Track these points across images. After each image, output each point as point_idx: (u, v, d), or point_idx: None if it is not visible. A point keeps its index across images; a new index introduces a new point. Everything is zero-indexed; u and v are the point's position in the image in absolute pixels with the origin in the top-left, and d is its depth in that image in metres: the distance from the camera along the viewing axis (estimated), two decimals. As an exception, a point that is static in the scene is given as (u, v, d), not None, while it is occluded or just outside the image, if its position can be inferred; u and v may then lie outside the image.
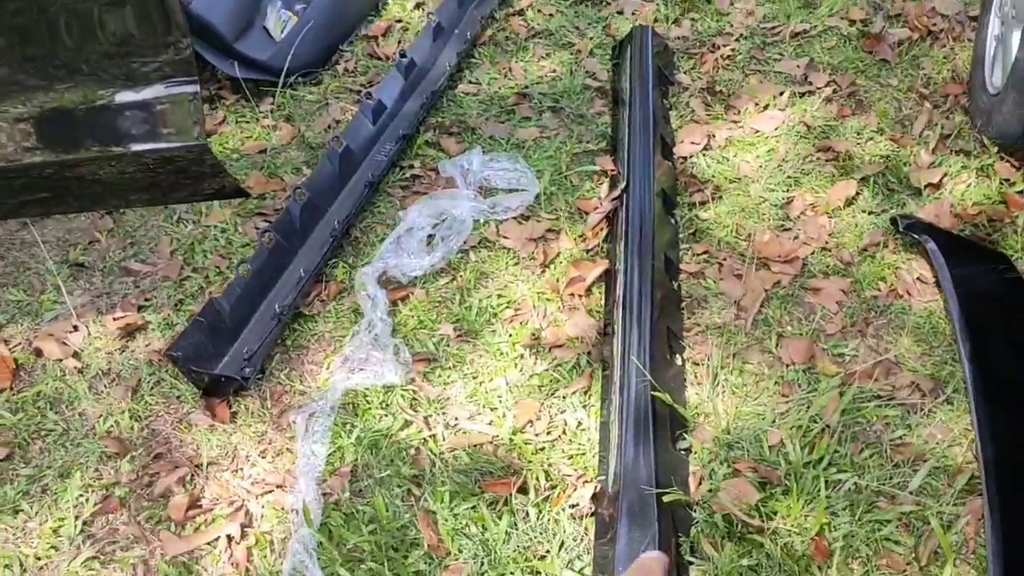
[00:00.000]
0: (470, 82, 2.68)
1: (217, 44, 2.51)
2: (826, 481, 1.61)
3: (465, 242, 2.15)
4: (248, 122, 2.56)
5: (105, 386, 1.88)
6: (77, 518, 1.66)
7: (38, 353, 1.94)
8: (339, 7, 2.83)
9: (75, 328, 1.99)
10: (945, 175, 2.21)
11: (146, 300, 2.06)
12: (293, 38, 2.64)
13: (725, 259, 2.09)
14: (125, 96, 1.57)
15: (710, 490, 1.62)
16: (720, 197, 2.24)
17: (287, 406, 1.84)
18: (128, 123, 1.64)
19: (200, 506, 1.68)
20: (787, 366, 1.84)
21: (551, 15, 2.94)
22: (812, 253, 2.08)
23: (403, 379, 1.85)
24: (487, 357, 1.91)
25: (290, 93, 2.62)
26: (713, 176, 2.30)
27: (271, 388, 1.88)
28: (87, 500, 1.69)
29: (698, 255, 2.11)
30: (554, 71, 2.70)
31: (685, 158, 2.36)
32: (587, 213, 2.21)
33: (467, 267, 2.10)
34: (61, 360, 1.92)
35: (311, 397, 1.84)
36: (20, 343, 1.97)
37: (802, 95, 2.53)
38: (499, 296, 2.04)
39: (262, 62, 2.58)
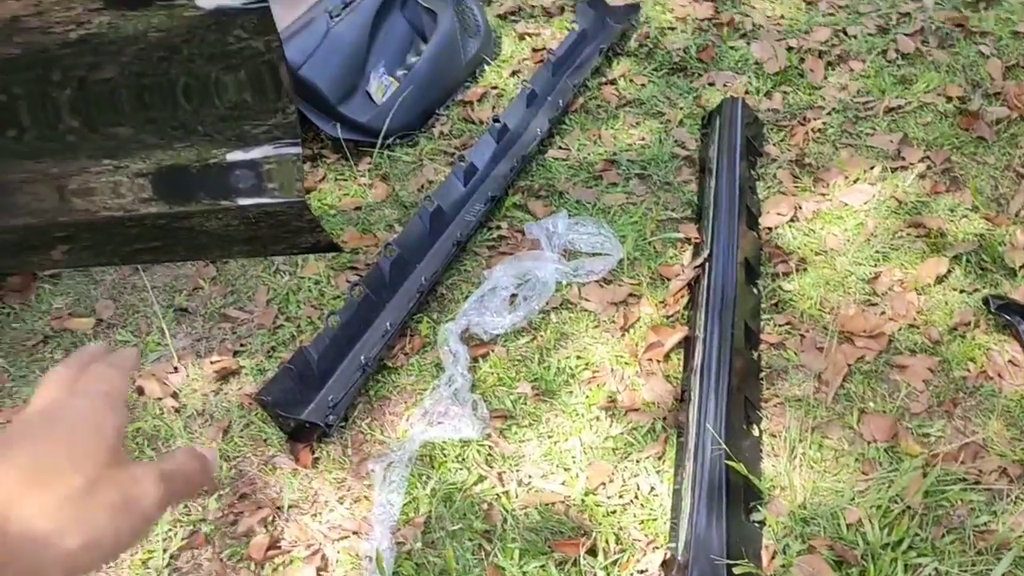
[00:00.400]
0: (560, 148, 2.75)
1: (322, 106, 2.65)
2: (905, 564, 1.57)
3: (547, 303, 2.20)
4: (346, 180, 2.68)
5: (199, 426, 1.98)
6: (165, 551, 1.74)
7: (140, 391, 2.06)
8: (438, 74, 2.96)
9: (175, 369, 2.10)
10: (1042, 255, 2.16)
11: (241, 346, 2.16)
12: (393, 102, 2.77)
13: (807, 331, 2.08)
14: (235, 155, 1.68)
15: (783, 566, 1.60)
16: (805, 269, 2.23)
17: (367, 455, 1.90)
18: (235, 179, 1.75)
19: (279, 547, 1.74)
20: (868, 443, 1.81)
21: (643, 85, 3.01)
22: (899, 330, 2.05)
23: (480, 434, 1.89)
24: (563, 417, 1.94)
25: (387, 154, 2.74)
26: (798, 248, 2.30)
27: (352, 436, 1.94)
28: (175, 535, 1.77)
29: (780, 326, 2.11)
30: (643, 139, 2.75)
31: (770, 228, 2.37)
32: (669, 279, 2.23)
33: (548, 327, 2.14)
34: (161, 399, 2.03)
35: (390, 447, 1.90)
36: (124, 381, 2.09)
37: (894, 170, 2.51)
38: (578, 357, 2.07)
39: (363, 124, 2.71)
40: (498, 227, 2.46)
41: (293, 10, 2.66)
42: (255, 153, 1.68)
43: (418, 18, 3.03)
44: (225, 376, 2.08)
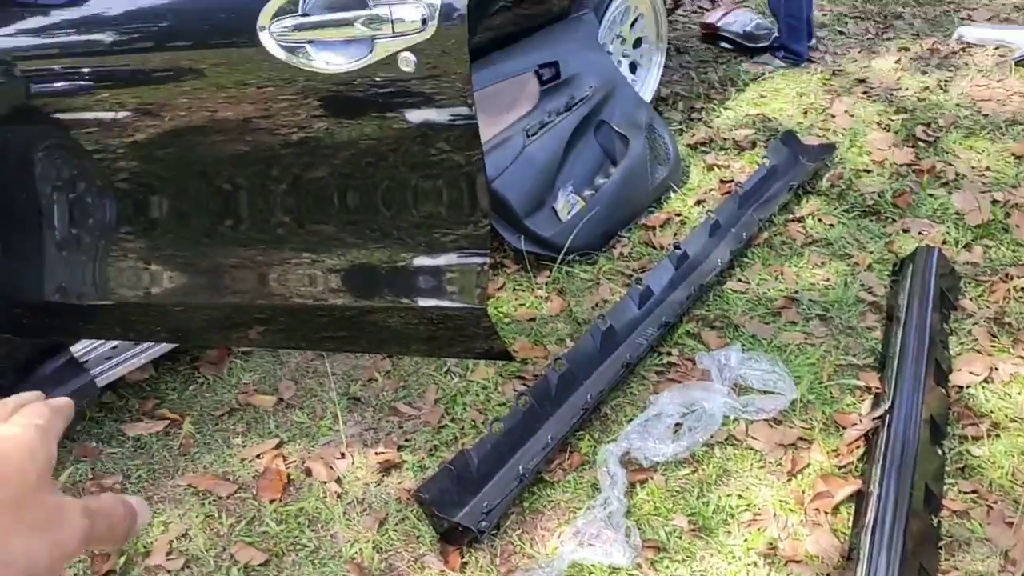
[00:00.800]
0: (739, 280, 2.73)
1: (509, 218, 2.76)
2: None
3: (712, 436, 2.14)
4: (524, 291, 2.75)
5: (357, 514, 2.03)
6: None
7: (308, 472, 2.15)
8: (624, 197, 3.02)
9: (342, 455, 2.18)
10: None
11: (406, 440, 2.23)
12: (577, 221, 2.85)
13: (996, 502, 1.92)
14: (422, 260, 1.77)
15: None
16: (997, 435, 2.08)
17: (514, 566, 1.89)
18: (420, 282, 1.84)
19: (417, 648, 1.74)
20: (1061, 639, 1.63)
21: (832, 225, 2.95)
22: (1104, 515, 1.86)
23: (630, 562, 1.84)
24: (718, 558, 1.86)
25: (566, 269, 2.81)
26: (992, 411, 2.15)
27: (502, 545, 1.94)
28: (320, 618, 1.81)
29: (965, 493, 1.96)
30: (827, 280, 2.68)
31: (961, 387, 2.23)
32: (844, 428, 2.13)
33: (711, 461, 2.09)
34: (325, 483, 2.11)
35: (538, 562, 1.88)
36: (295, 460, 2.20)
37: (1107, 339, 2.32)
38: (740, 497, 2.00)
39: (546, 239, 2.80)
40: (668, 353, 2.44)
41: (493, 127, 2.81)
42: (441, 260, 1.77)
43: (610, 142, 3.13)
44: (388, 468, 2.14)
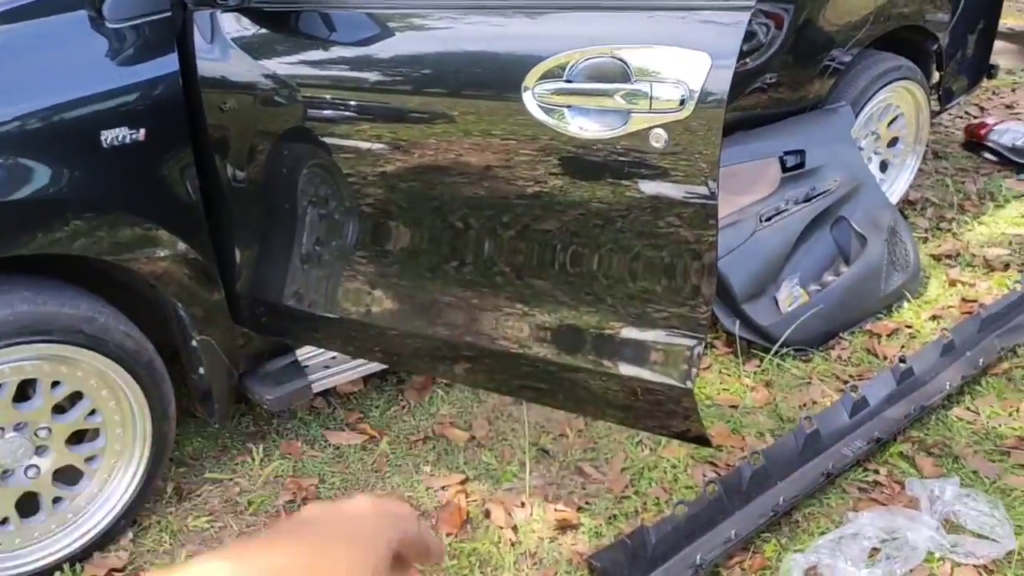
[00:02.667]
0: (968, 408, 2.52)
1: (727, 300, 2.72)
2: None
3: (911, 570, 1.98)
4: (730, 375, 2.69)
5: (528, 567, 2.05)
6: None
7: (487, 514, 2.19)
8: (852, 299, 2.89)
9: (523, 504, 2.21)
10: None
11: (586, 503, 2.22)
12: (798, 315, 2.75)
13: None
14: (630, 332, 1.77)
15: None
16: None
17: (674, 659, 1.83)
18: (628, 350, 1.84)
19: None
20: None
21: (1085, 370, 2.68)
22: None
23: None
24: None
25: (777, 362, 2.71)
26: None
27: (665, 634, 1.88)
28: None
29: None
30: (1070, 428, 2.43)
31: None
32: (1068, 596, 1.91)
33: (905, 598, 1.93)
34: (502, 528, 2.14)
35: (699, 661, 1.81)
36: (476, 499, 2.25)
37: None
38: (933, 645, 1.84)
39: (762, 327, 2.72)
40: (876, 471, 2.30)
41: (727, 206, 2.78)
42: (649, 335, 1.76)
43: (846, 239, 3.01)
44: (564, 527, 2.15)
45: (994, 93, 5.02)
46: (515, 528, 2.15)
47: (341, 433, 2.47)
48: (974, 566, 1.99)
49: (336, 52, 1.93)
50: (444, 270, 1.93)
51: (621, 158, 1.57)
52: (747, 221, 2.80)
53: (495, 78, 1.68)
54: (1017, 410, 2.51)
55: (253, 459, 2.37)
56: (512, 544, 2.11)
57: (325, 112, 1.93)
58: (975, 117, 4.59)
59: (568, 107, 1.58)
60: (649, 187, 1.61)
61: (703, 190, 1.57)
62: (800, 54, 3.06)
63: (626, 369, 1.86)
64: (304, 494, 2.26)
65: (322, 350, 2.39)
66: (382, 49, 1.85)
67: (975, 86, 4.03)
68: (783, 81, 3.04)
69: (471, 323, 1.93)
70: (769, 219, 2.84)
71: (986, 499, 2.15)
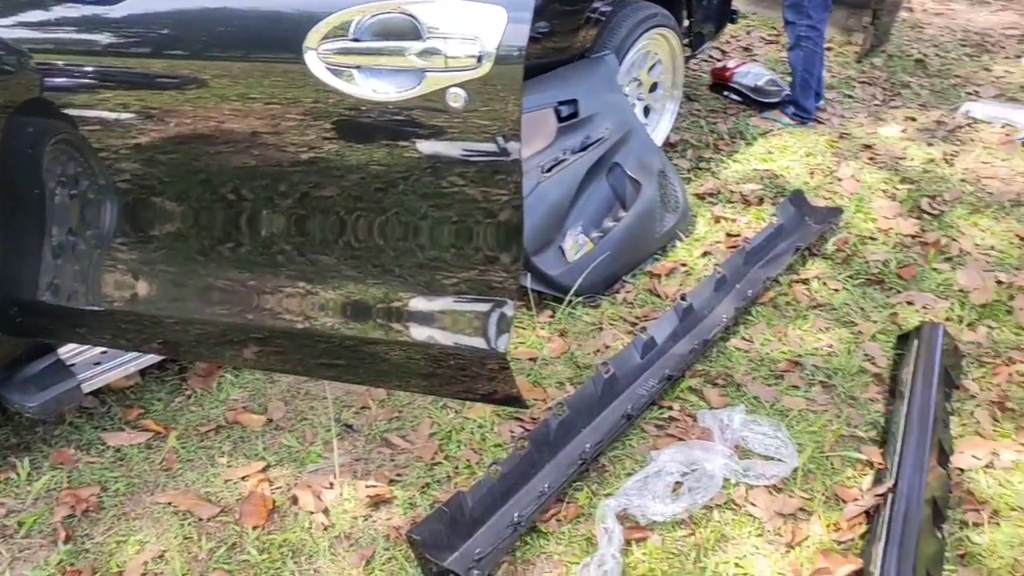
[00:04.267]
0: (743, 338, 2.70)
1: (517, 254, 2.72)
2: None
3: (711, 499, 2.10)
4: (525, 328, 2.71)
5: (344, 549, 1.96)
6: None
7: (294, 500, 2.07)
8: (631, 242, 3.00)
9: (331, 485, 2.11)
10: None
11: (398, 475, 2.16)
12: (585, 262, 2.81)
13: (996, 595, 1.89)
14: (420, 302, 1.71)
15: None
16: (997, 523, 2.05)
17: (503, 620, 1.82)
18: (421, 320, 1.78)
19: None
20: None
21: (836, 290, 2.94)
22: (1103, 616, 1.84)
23: (624, 627, 1.78)
24: (714, 630, 1.81)
25: (569, 311, 2.76)
26: (992, 498, 2.12)
27: (492, 596, 1.88)
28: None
29: (965, 582, 1.93)
30: (831, 346, 2.66)
31: (962, 470, 2.21)
32: (845, 502, 2.10)
33: (709, 525, 2.04)
34: (312, 513, 2.04)
35: (529, 618, 1.82)
36: (281, 486, 2.12)
37: (1108, 433, 2.32)
38: (736, 566, 1.95)
39: (552, 278, 2.75)
40: (670, 407, 2.40)
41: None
42: (455, 301, 1.72)
43: (622, 185, 3.10)
44: (377, 503, 2.08)
45: (732, 37, 5.36)
46: (326, 511, 2.05)
47: (121, 433, 2.24)
48: (765, 487, 2.14)
49: (90, 11, 1.68)
50: (218, 252, 1.77)
51: (419, 119, 1.49)
52: (530, 174, 2.81)
53: (270, 38, 1.53)
54: (785, 335, 2.71)
55: (19, 475, 2.10)
56: (325, 528, 2.01)
57: (61, 80, 1.69)
58: (718, 61, 4.88)
59: (358, 67, 1.47)
60: (451, 148, 1.55)
61: (506, 148, 1.52)
62: (566, 3, 3.08)
63: (423, 337, 1.81)
64: (85, 506, 2.03)
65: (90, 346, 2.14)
66: (111, 8, 1.63)
67: (720, 30, 4.27)
68: (554, 31, 3.05)
69: (256, 304, 1.79)
70: (550, 170, 2.87)
71: (769, 423, 2.31)
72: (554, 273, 2.77)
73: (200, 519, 2.03)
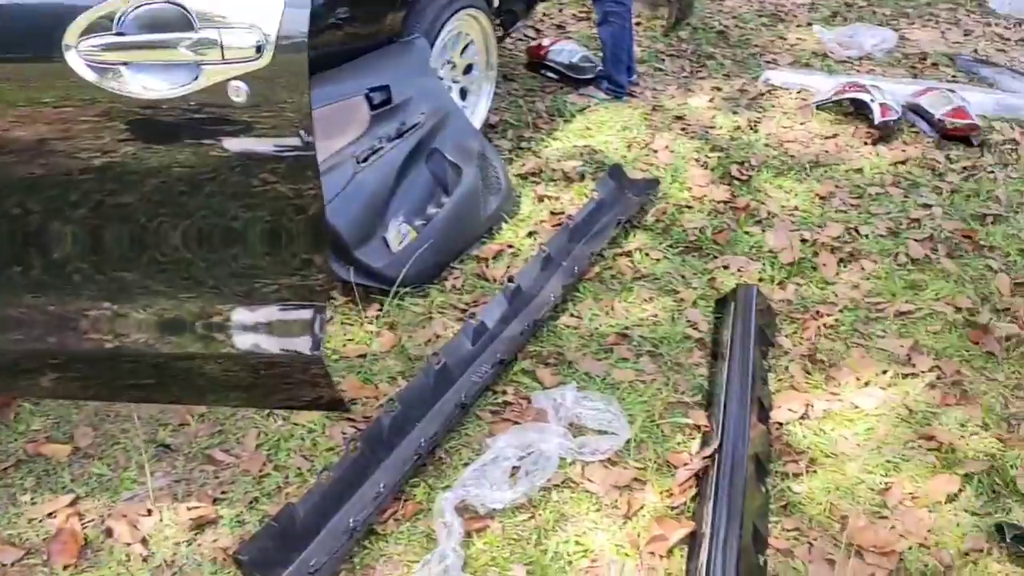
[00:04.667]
0: (572, 315, 2.72)
1: (337, 249, 2.63)
2: None
3: (549, 480, 2.10)
4: (352, 325, 2.63)
5: (167, 579, 1.84)
6: None
7: (109, 533, 1.93)
8: (456, 227, 2.96)
9: (149, 512, 1.98)
10: (1057, 486, 2.10)
11: (223, 493, 2.05)
12: (409, 252, 2.75)
13: (816, 539, 1.99)
14: (244, 308, 1.62)
15: None
16: (814, 471, 2.16)
17: (345, 631, 1.76)
18: (239, 330, 1.69)
19: None
20: (880, 675, 1.69)
21: (658, 260, 3.02)
22: (909, 548, 1.97)
23: (468, 622, 1.76)
24: (558, 611, 1.82)
25: (397, 303, 2.70)
26: (809, 447, 2.24)
27: (331, 608, 1.81)
28: None
29: (788, 531, 2.02)
30: (655, 316, 2.73)
31: (781, 424, 2.31)
32: (676, 467, 2.16)
33: (548, 506, 2.05)
34: (129, 544, 1.90)
35: (371, 625, 1.77)
36: (94, 519, 1.97)
37: (904, 376, 2.49)
38: (577, 543, 1.97)
39: (376, 270, 2.68)
40: (504, 392, 2.39)
41: (321, 153, 2.66)
42: (264, 308, 1.63)
43: (442, 170, 3.06)
44: (201, 525, 1.96)
45: (546, 15, 5.41)
46: (144, 540, 1.92)
47: (-100, 482, 2.02)
48: (601, 462, 2.16)
49: None
50: (7, 276, 1.60)
51: (199, 117, 1.39)
52: (345, 164, 2.72)
53: (23, 36, 1.38)
54: (612, 308, 2.76)
55: None
56: (144, 559, 1.88)
57: None
58: (533, 39, 4.91)
59: (125, 64, 1.35)
60: (236, 145, 1.45)
61: (296, 141, 1.45)
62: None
63: (242, 347, 1.71)
64: None
65: None
66: None
67: (532, 9, 4.29)
68: (357, 16, 2.96)
69: (52, 329, 1.64)
70: (366, 159, 2.79)
71: (601, 397, 2.34)
72: (379, 265, 2.70)
73: (3, 565, 1.85)
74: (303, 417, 2.27)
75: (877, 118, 3.95)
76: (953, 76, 4.91)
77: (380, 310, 2.69)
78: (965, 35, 5.72)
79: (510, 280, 2.69)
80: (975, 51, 5.37)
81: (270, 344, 1.68)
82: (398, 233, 2.80)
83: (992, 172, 3.72)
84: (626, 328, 2.67)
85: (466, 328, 2.50)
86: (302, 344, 1.64)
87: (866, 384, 2.45)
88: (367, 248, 2.71)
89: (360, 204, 2.72)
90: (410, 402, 2.23)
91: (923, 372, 2.50)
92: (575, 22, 5.37)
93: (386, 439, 2.13)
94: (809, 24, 5.67)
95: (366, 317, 2.65)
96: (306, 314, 1.61)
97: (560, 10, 5.53)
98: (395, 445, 2.14)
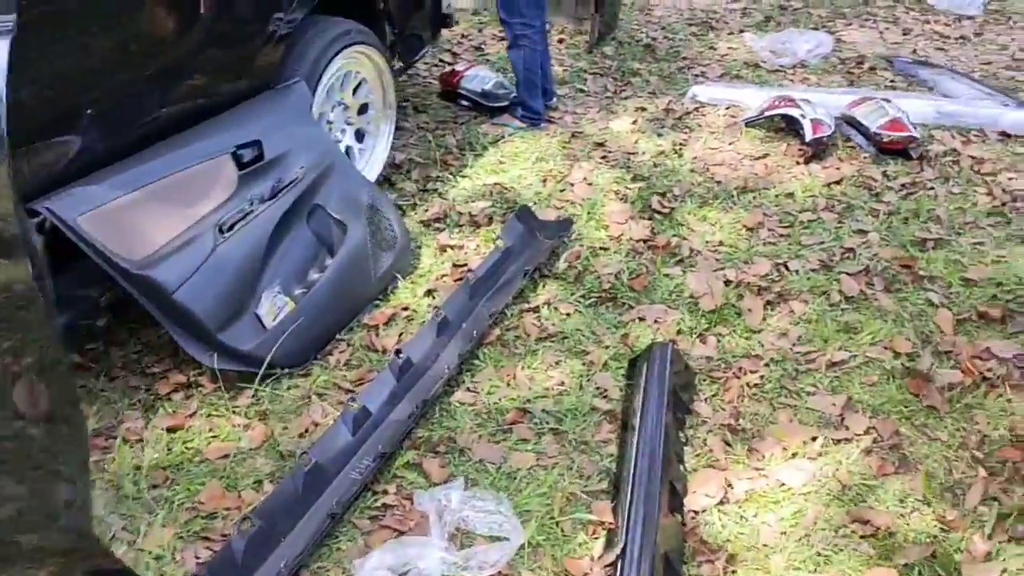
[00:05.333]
0: (468, 389, 2.45)
1: (198, 332, 2.34)
2: None
3: (429, 604, 1.83)
4: (221, 416, 2.33)
5: None
6: None
7: None
8: (341, 294, 2.68)
9: None
10: (1004, 572, 1.85)
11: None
12: (286, 326, 2.47)
13: (736, 658, 1.73)
14: None
15: None
16: (734, 571, 1.90)
17: None
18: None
19: None
20: None
21: (568, 315, 2.75)
22: (843, 661, 1.71)
23: None
24: None
25: (272, 387, 2.42)
26: (728, 540, 1.97)
27: None
28: None
29: (703, 649, 1.75)
30: (562, 384, 2.46)
31: (696, 512, 2.05)
32: (576, 577, 1.89)
33: (426, 638, 1.77)
34: None
35: None
36: None
37: (837, 442, 2.23)
38: None
39: (246, 353, 2.39)
40: (384, 492, 2.11)
41: (176, 224, 2.37)
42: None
43: (326, 229, 2.77)
44: None
45: (464, 36, 5.14)
46: None
47: None
48: (489, 576, 1.89)
49: None
50: None
51: None
52: (204, 236, 2.42)
53: None
54: (514, 377, 2.49)
55: None
56: None
57: None
58: (449, 64, 4.64)
59: None
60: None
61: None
62: (237, 28, 2.70)
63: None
64: None
65: None
66: None
67: (436, 37, 4.01)
68: (222, 60, 2.67)
69: None
70: (232, 227, 2.49)
71: (492, 496, 2.06)
72: (248, 347, 2.41)
73: None
74: (149, 542, 1.97)
75: (808, 135, 3.72)
76: (891, 81, 4.70)
77: (254, 397, 2.39)
78: (904, 34, 5.52)
79: (398, 352, 2.41)
80: (914, 51, 5.17)
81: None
82: (273, 306, 2.51)
83: (932, 188, 3.50)
84: (528, 401, 2.39)
85: (345, 416, 2.22)
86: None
87: (794, 456, 2.19)
88: (235, 328, 2.41)
89: (225, 279, 2.42)
90: (271, 517, 1.94)
91: (857, 436, 2.25)
92: (495, 42, 5.11)
93: (241, 565, 1.84)
94: (741, 31, 5.45)
95: (235, 407, 2.36)
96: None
97: (480, 30, 5.27)
98: (253, 571, 1.85)
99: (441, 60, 4.76)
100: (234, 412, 2.35)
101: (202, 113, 2.61)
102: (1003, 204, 3.35)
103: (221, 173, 2.56)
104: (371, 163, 3.40)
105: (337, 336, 2.64)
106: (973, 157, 3.74)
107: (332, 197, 2.81)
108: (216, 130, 2.62)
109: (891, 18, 5.86)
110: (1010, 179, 3.56)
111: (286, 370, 2.47)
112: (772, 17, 5.75)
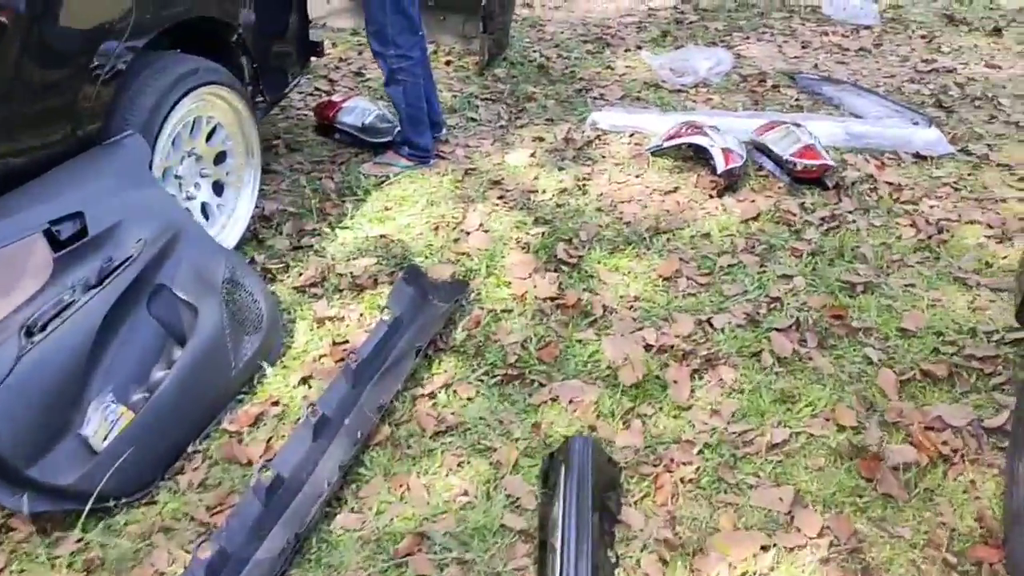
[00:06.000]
0: (353, 510, 2.02)
1: (2, 471, 1.84)
2: None
3: None
4: (37, 570, 1.85)
5: None
6: None
7: None
8: (195, 391, 2.21)
9: None
10: None
11: None
12: (121, 447, 1.99)
13: None
14: None
15: None
16: None
17: None
18: None
19: None
20: None
21: (469, 399, 2.35)
22: None
23: None
24: None
25: (104, 526, 1.94)
26: None
27: None
28: None
29: None
30: (465, 494, 2.06)
31: (636, 665, 1.69)
32: None
33: None
34: None
35: None
36: None
37: (790, 550, 1.91)
38: None
39: (66, 488, 1.91)
40: (247, 669, 1.67)
41: (-33, 332, 1.88)
42: None
43: (173, 315, 2.30)
44: None
45: (342, 60, 4.70)
46: None
47: None
48: None
49: None
50: None
51: None
52: (5, 345, 1.92)
53: None
54: (408, 489, 2.08)
55: None
56: None
57: None
58: (325, 94, 4.19)
59: None
60: None
61: None
62: (47, 68, 2.20)
63: None
64: None
65: None
66: None
67: (306, 67, 3.56)
68: (29, 112, 2.17)
69: None
70: (44, 327, 1.99)
71: (382, 667, 1.65)
72: (71, 479, 1.93)
73: None
74: None
75: (720, 167, 3.42)
76: (796, 100, 4.47)
77: (81, 542, 1.91)
78: (803, 48, 5.34)
79: (265, 468, 1.97)
80: (815, 66, 4.99)
81: None
82: (104, 422, 2.03)
83: (853, 221, 3.25)
84: (426, 520, 1.99)
85: (194, 566, 1.77)
86: None
87: (743, 575, 1.85)
88: (52, 458, 1.93)
89: (35, 397, 1.93)
90: None
91: (811, 540, 1.93)
92: (376, 67, 4.66)
93: None
94: (639, 47, 5.17)
95: (55, 558, 1.87)
96: None
97: (360, 52, 4.83)
98: None
99: (317, 88, 4.30)
100: (53, 566, 1.86)
101: (3, 181, 2.11)
102: (929, 237, 3.13)
103: (29, 258, 2.06)
104: (233, 220, 2.94)
105: (190, 448, 2.17)
106: (890, 183, 3.52)
107: (179, 274, 2.33)
108: (23, 202, 2.13)
109: (788, 30, 5.68)
110: (931, 207, 3.35)
111: (123, 500, 1.99)
112: (669, 32, 5.49)
